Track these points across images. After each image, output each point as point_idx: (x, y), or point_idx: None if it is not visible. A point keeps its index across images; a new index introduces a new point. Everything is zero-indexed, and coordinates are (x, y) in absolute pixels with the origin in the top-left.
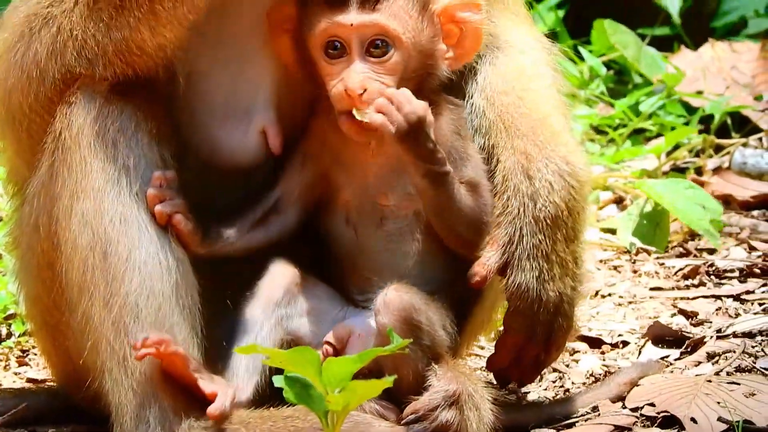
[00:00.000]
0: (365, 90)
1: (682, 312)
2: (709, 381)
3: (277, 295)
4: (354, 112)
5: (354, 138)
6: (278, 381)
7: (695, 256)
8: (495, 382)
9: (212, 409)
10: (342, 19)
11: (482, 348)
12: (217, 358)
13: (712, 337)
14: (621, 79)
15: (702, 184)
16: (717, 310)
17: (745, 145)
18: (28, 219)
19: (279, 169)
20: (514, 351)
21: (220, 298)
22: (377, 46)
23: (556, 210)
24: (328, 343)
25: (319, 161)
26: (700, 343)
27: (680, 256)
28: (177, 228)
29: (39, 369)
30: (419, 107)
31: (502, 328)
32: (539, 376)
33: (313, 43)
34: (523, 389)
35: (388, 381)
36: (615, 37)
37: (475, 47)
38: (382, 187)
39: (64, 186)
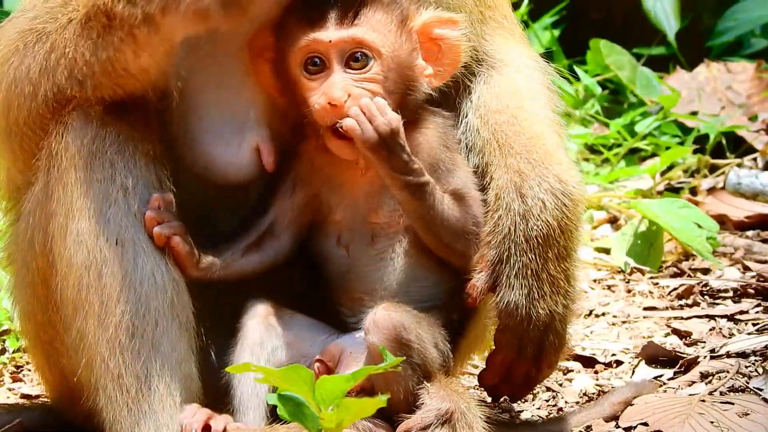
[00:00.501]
0: (350, 96)
1: (675, 332)
2: (703, 401)
3: (259, 337)
4: (326, 139)
5: (341, 155)
6: (272, 399)
7: (689, 276)
8: (488, 399)
9: None
10: (320, 35)
11: (476, 367)
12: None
13: (705, 357)
14: (616, 98)
15: (696, 204)
16: (711, 330)
17: (739, 165)
18: (24, 235)
19: (273, 187)
20: (503, 367)
21: (217, 318)
22: (357, 59)
23: (548, 229)
24: (319, 361)
25: (309, 184)
26: (693, 363)
27: (674, 276)
28: (174, 250)
29: (33, 385)
30: (393, 119)
31: (492, 345)
32: (532, 394)
33: (293, 60)
34: (517, 408)
35: (381, 400)
36: (611, 57)
37: (454, 64)
38: (372, 204)
39: (59, 204)
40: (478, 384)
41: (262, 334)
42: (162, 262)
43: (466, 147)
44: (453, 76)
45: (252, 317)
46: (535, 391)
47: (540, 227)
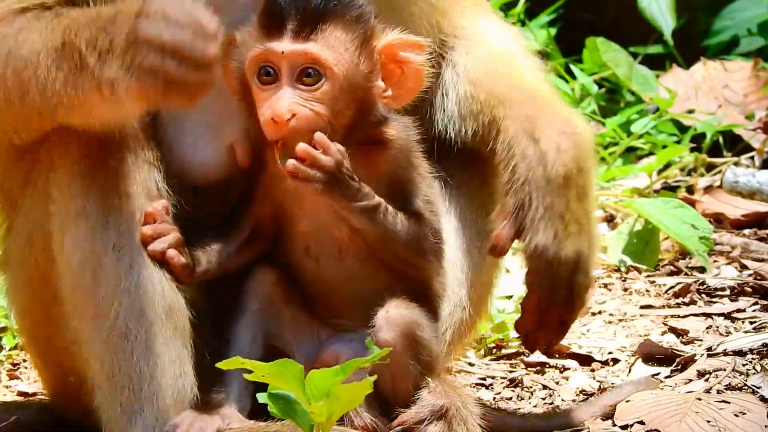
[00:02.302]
0: (294, 116)
1: (672, 330)
2: (699, 399)
3: (261, 304)
4: (276, 155)
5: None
6: (262, 397)
7: (686, 274)
8: (486, 398)
9: None
10: (275, 46)
11: (472, 365)
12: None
13: (702, 355)
14: (612, 97)
15: (693, 202)
16: (708, 328)
17: (736, 163)
18: (21, 231)
19: (253, 186)
20: (537, 311)
21: (208, 313)
22: (309, 74)
23: (566, 169)
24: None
25: (274, 191)
26: (690, 361)
27: (671, 274)
28: (170, 263)
29: (30, 382)
30: (334, 153)
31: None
32: (528, 392)
33: (248, 68)
34: (513, 405)
35: (368, 383)
36: (607, 55)
37: (416, 89)
38: (334, 218)
39: (58, 205)
40: (515, 331)
41: (269, 300)
42: (156, 270)
43: (460, 116)
44: (430, 55)
45: (257, 282)
46: (531, 389)
47: (558, 168)
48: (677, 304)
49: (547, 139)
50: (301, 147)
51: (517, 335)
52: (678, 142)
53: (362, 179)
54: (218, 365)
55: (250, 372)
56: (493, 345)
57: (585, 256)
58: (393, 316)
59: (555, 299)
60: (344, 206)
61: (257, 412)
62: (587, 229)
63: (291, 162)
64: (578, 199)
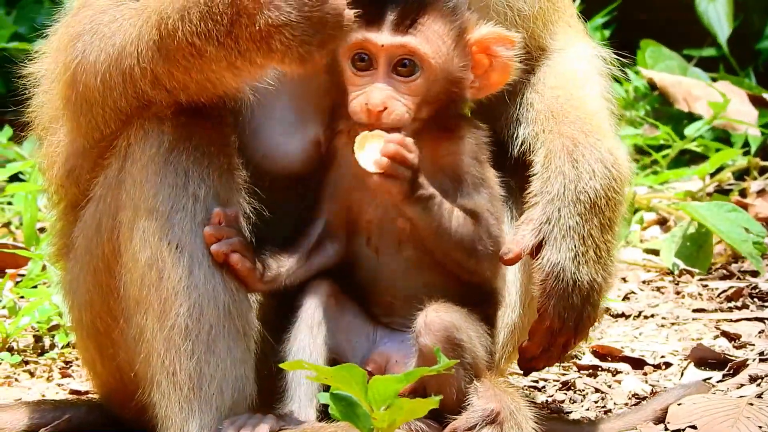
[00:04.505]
0: (385, 109)
1: (724, 334)
2: (751, 404)
3: (318, 315)
4: (355, 149)
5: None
6: (323, 398)
7: (738, 278)
8: (527, 388)
9: None
10: (374, 37)
11: None
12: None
13: (754, 359)
14: (666, 100)
15: (746, 206)
16: (760, 332)
17: None
18: (92, 219)
19: (323, 184)
20: (547, 337)
21: (272, 317)
22: (405, 65)
23: (596, 196)
24: (368, 372)
25: (343, 182)
26: (742, 365)
27: (723, 278)
28: (234, 267)
29: (82, 380)
30: (413, 157)
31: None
32: (581, 395)
33: (343, 52)
34: (565, 408)
35: (434, 401)
36: (659, 66)
37: (501, 82)
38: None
39: (128, 198)
40: (518, 355)
41: (321, 314)
42: (218, 272)
43: (518, 121)
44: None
45: (313, 296)
46: (584, 392)
47: (588, 193)
48: (729, 308)
49: (585, 162)
50: (392, 148)
51: (519, 356)
52: (730, 146)
53: (426, 167)
54: (281, 365)
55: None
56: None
57: (598, 287)
58: (431, 320)
59: (565, 326)
60: (407, 199)
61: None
62: (605, 261)
63: (382, 160)
64: (602, 228)
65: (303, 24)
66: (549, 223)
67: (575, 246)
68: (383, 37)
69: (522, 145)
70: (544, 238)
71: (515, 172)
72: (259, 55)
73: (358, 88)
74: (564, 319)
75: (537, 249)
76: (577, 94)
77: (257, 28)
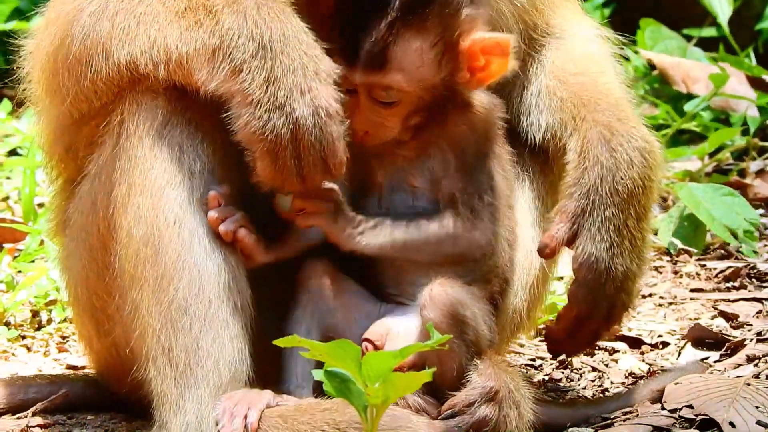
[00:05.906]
0: (367, 132)
1: (722, 314)
2: (748, 384)
3: (314, 293)
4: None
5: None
6: (318, 375)
7: (736, 258)
8: (537, 373)
9: None
10: (351, 74)
11: (522, 345)
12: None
13: (752, 339)
14: (665, 79)
15: (745, 186)
16: (758, 312)
17: None
18: (87, 197)
19: None
20: (575, 323)
21: (267, 298)
22: (383, 95)
23: (634, 185)
24: (367, 340)
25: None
26: (740, 345)
27: (721, 258)
28: (242, 242)
29: (79, 355)
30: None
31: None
32: (578, 374)
33: None
34: (562, 387)
35: (427, 374)
36: (658, 46)
37: (500, 71)
38: (412, 170)
39: (124, 174)
40: (544, 338)
41: (319, 293)
42: (217, 248)
43: (538, 108)
44: (516, 51)
45: (310, 275)
46: (581, 371)
47: (626, 183)
48: (727, 288)
49: (623, 151)
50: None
51: (545, 339)
52: (730, 125)
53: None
54: (275, 342)
55: (307, 350)
56: (543, 326)
57: (632, 276)
58: (437, 294)
59: (595, 314)
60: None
61: None
62: (639, 250)
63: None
64: (638, 217)
65: None
66: (584, 215)
67: (611, 237)
68: (358, 75)
69: (544, 132)
70: (578, 230)
71: (531, 157)
72: None
73: (347, 110)
74: (593, 307)
75: (572, 239)
76: (601, 80)
77: None
